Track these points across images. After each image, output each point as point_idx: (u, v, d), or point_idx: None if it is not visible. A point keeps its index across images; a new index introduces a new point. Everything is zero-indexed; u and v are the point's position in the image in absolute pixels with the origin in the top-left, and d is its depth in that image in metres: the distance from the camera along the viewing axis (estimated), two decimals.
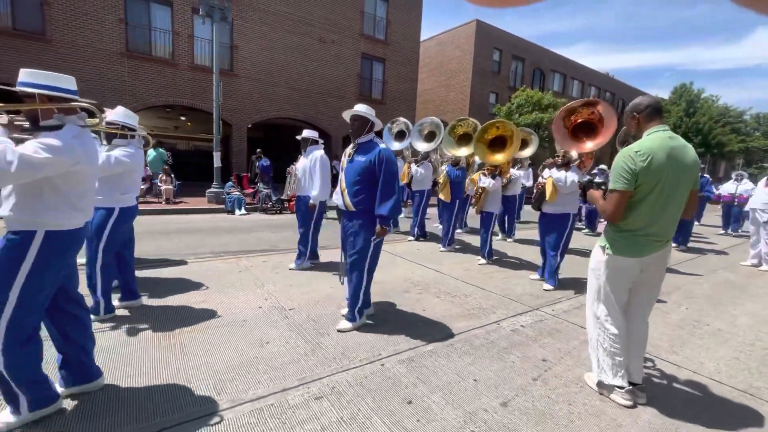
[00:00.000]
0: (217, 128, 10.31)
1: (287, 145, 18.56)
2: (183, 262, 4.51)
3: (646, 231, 2.01)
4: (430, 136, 7.24)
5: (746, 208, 6.79)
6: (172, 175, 10.50)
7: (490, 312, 3.46)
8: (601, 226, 9.46)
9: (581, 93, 27.11)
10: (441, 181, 6.22)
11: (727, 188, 9.87)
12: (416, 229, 6.79)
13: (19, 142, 1.59)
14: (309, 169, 4.42)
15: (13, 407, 1.72)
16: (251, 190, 11.15)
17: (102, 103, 2.04)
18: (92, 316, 2.79)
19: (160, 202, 9.88)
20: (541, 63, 24.63)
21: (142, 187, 9.87)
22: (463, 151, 6.22)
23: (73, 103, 1.77)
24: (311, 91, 15.66)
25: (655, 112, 2.07)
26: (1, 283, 1.62)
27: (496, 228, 6.60)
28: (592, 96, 27.00)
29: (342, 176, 2.90)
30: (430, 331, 2.98)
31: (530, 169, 10.09)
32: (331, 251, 5.12)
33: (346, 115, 2.95)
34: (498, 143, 5.11)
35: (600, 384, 2.23)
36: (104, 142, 3.02)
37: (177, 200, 10.27)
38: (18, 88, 1.70)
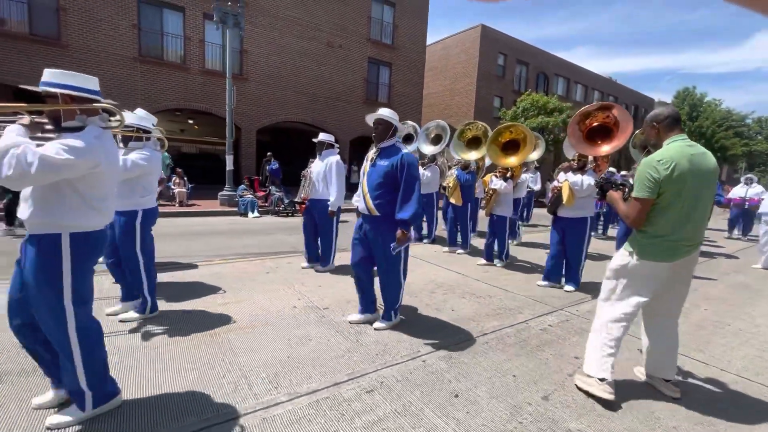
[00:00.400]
0: (230, 132, 10.45)
1: (295, 148, 18.75)
2: (212, 264, 4.62)
3: (674, 236, 2.09)
4: (436, 139, 7.27)
5: (758, 212, 6.87)
6: (185, 178, 10.64)
7: (517, 312, 3.56)
8: (612, 230, 9.55)
9: (584, 97, 27.27)
10: (451, 185, 6.31)
11: (737, 192, 9.91)
12: (422, 232, 6.88)
13: (40, 143, 1.57)
14: (324, 173, 4.46)
15: (79, 404, 1.77)
16: (262, 193, 11.28)
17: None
18: (137, 314, 2.92)
19: (174, 205, 10.01)
20: (545, 67, 24.82)
21: (158, 189, 10.00)
22: (473, 155, 6.25)
23: (95, 104, 1.76)
24: (319, 95, 15.83)
25: (675, 122, 2.16)
26: (53, 292, 1.63)
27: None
28: (596, 100, 27.16)
29: (364, 180, 2.92)
30: (463, 329, 3.08)
31: (538, 173, 10.20)
32: (337, 254, 5.16)
33: (370, 119, 2.94)
34: (511, 146, 5.18)
35: (588, 377, 2.25)
36: (120, 145, 3.00)
37: (189, 203, 10.41)
38: (41, 88, 1.68)
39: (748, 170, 33.51)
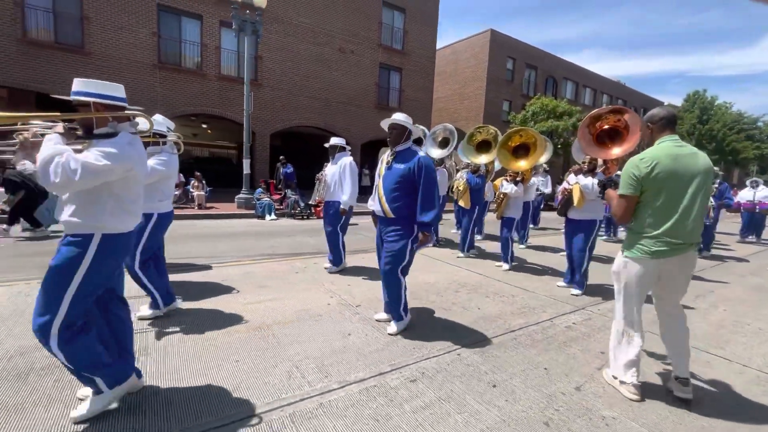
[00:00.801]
0: (247, 136, 10.69)
1: (307, 152, 19.05)
2: (242, 264, 4.82)
3: (655, 233, 2.13)
4: (443, 143, 7.34)
5: None
6: (204, 182, 10.90)
7: (541, 311, 3.69)
8: (622, 233, 9.61)
9: (593, 101, 27.30)
10: (461, 188, 6.40)
11: (744, 195, 9.88)
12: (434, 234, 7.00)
13: (78, 149, 1.66)
14: (338, 175, 4.57)
15: (94, 389, 1.82)
16: (278, 196, 11.50)
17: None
18: (153, 311, 3.01)
19: (193, 208, 10.27)
20: (554, 71, 24.91)
21: (176, 192, 10.29)
22: (483, 159, 6.27)
23: (127, 112, 1.84)
24: (331, 100, 16.09)
25: (668, 123, 2.22)
26: (59, 284, 1.68)
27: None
28: (605, 104, 27.16)
29: (379, 183, 2.96)
30: (491, 326, 3.23)
31: (548, 176, 10.30)
32: (358, 255, 5.37)
33: (385, 124, 3.00)
34: (521, 150, 5.22)
35: (614, 378, 2.36)
36: None
37: (208, 205, 10.66)
38: (73, 97, 1.75)
39: (760, 173, 33.21)
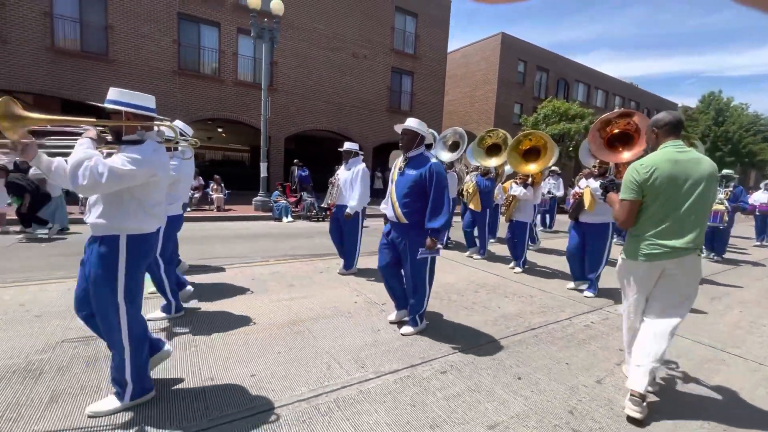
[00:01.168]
0: (264, 140, 10.98)
1: (319, 155, 19.33)
2: (268, 264, 5.04)
3: (651, 235, 2.15)
4: (453, 147, 7.42)
5: None
6: (222, 184, 11.22)
7: (559, 310, 3.83)
8: None
9: (605, 103, 27.15)
10: (470, 191, 6.47)
11: (758, 197, 9.79)
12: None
13: (110, 152, 1.77)
14: (351, 180, 4.64)
15: (119, 394, 1.92)
16: (293, 199, 11.76)
17: None
18: (163, 314, 3.12)
19: (212, 210, 10.58)
20: (565, 73, 24.88)
21: (196, 195, 10.62)
22: (493, 162, 6.31)
23: (156, 123, 1.97)
24: (344, 104, 16.37)
25: (673, 129, 2.21)
26: (109, 289, 1.79)
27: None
28: (617, 106, 26.99)
29: (392, 188, 2.99)
30: (512, 324, 3.38)
31: (560, 179, 10.35)
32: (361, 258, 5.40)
33: (398, 129, 3.01)
34: (531, 153, 5.26)
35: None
36: None
37: (226, 208, 10.96)
38: (107, 105, 1.86)
39: None
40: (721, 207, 7.02)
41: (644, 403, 2.07)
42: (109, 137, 1.92)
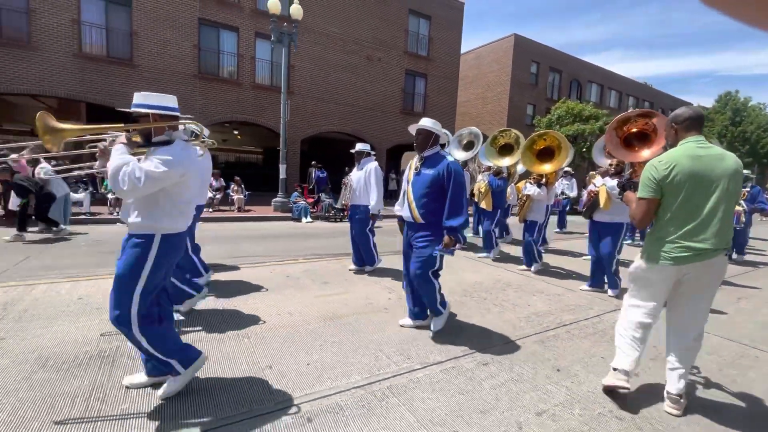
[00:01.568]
0: (283, 143, 11.22)
1: (333, 157, 19.54)
2: (298, 263, 5.22)
3: (676, 237, 2.04)
4: (468, 146, 7.30)
5: None
6: (242, 186, 11.47)
7: (587, 308, 3.92)
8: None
9: (619, 103, 26.93)
10: (482, 190, 6.49)
11: None
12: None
13: (141, 157, 1.84)
14: (364, 180, 4.70)
15: (173, 372, 2.00)
16: (311, 200, 11.96)
17: None
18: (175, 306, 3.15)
19: (233, 210, 10.84)
20: (578, 74, 24.76)
21: (218, 196, 10.87)
22: (505, 161, 6.26)
23: (181, 122, 2.02)
24: (358, 106, 16.56)
25: (694, 124, 2.10)
26: (131, 279, 1.87)
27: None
28: (631, 106, 26.75)
29: (408, 189, 2.96)
30: (544, 320, 3.49)
31: (573, 180, 10.36)
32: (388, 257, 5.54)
33: (412, 129, 3.01)
34: (545, 154, 5.26)
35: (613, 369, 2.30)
36: None
37: (246, 208, 11.21)
38: (133, 110, 1.92)
39: None
40: (738, 208, 7.00)
41: (681, 400, 2.16)
42: (140, 140, 1.99)
